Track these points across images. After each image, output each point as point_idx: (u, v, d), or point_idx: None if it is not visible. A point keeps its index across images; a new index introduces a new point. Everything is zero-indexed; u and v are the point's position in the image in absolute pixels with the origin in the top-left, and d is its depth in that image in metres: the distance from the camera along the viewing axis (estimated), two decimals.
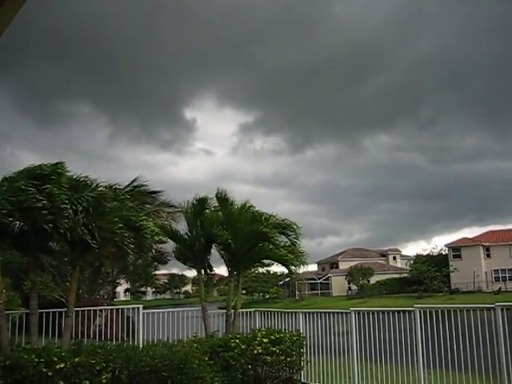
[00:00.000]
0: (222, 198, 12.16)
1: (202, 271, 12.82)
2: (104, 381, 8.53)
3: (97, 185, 10.09)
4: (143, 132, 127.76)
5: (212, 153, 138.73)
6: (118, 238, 9.64)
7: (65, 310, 10.28)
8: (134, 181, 11.61)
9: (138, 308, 11.94)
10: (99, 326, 14.26)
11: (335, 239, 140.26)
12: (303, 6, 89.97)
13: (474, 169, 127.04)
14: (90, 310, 12.17)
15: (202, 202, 12.01)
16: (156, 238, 10.45)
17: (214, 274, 14.58)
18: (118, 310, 13.71)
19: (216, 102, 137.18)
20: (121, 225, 9.66)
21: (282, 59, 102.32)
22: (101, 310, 16.12)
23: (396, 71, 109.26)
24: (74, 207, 9.33)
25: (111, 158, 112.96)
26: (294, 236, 12.41)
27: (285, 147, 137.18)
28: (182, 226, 12.65)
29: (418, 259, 74.95)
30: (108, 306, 22.07)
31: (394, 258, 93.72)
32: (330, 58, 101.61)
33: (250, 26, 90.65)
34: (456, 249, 75.28)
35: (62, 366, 8.25)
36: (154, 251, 11.17)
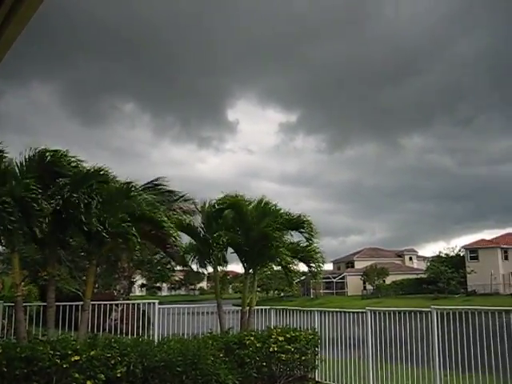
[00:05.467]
0: (234, 201, 12.11)
1: (218, 268, 12.82)
2: (119, 375, 8.56)
3: (101, 174, 10.07)
4: (183, 130, 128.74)
5: (251, 151, 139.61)
6: (124, 230, 9.67)
7: (81, 303, 10.34)
8: (155, 180, 11.68)
9: (154, 303, 11.96)
10: (115, 320, 14.37)
11: (358, 238, 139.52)
12: (348, 8, 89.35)
13: (503, 171, 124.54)
14: (106, 304, 12.21)
15: (218, 210, 12.14)
16: (173, 233, 10.48)
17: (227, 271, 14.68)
18: (133, 304, 13.78)
19: (257, 100, 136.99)
20: (125, 217, 9.72)
21: (325, 60, 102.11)
22: (117, 305, 16.24)
23: (436, 71, 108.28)
24: (86, 200, 9.44)
25: (148, 156, 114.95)
26: (308, 235, 12.35)
27: (325, 147, 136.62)
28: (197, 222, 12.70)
29: (435, 260, 74.21)
30: (124, 300, 22.21)
31: (410, 259, 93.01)
32: (372, 59, 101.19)
33: (291, 29, 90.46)
34: (473, 250, 74.33)
35: (77, 358, 8.29)
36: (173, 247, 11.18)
